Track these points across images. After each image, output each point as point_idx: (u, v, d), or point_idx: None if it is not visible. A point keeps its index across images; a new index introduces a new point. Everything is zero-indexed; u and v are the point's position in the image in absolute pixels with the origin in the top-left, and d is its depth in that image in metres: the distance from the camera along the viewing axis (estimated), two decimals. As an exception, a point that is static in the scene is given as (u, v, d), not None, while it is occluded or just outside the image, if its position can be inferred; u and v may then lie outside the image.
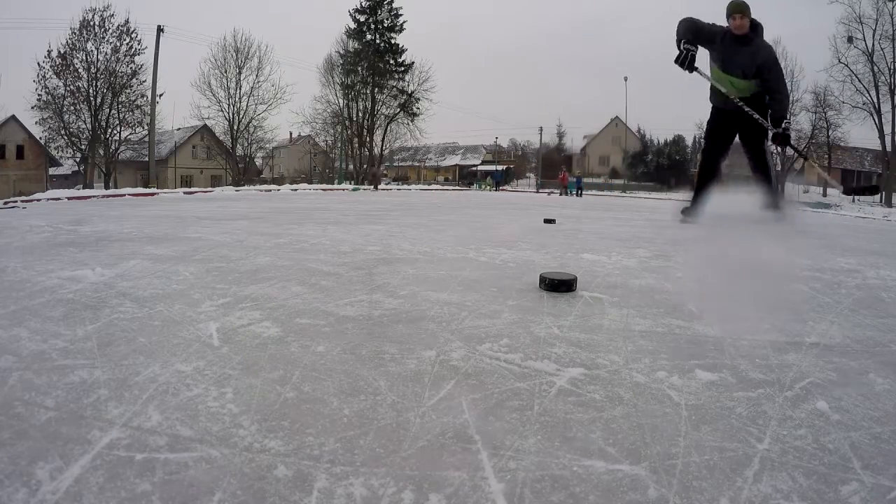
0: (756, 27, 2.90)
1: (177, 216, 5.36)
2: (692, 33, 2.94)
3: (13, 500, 0.75)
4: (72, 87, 26.62)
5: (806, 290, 2.40)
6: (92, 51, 26.78)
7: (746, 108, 2.90)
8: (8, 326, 1.52)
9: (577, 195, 23.77)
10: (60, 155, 29.07)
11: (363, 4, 33.49)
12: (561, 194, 24.14)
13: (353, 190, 21.94)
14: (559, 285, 2.12)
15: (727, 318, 1.80)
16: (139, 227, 4.17)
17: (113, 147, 27.77)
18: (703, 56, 3.03)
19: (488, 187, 31.61)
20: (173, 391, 1.12)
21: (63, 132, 27.22)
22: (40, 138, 28.05)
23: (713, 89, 3.14)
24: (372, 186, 23.93)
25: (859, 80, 24.36)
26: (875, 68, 24.00)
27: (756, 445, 0.97)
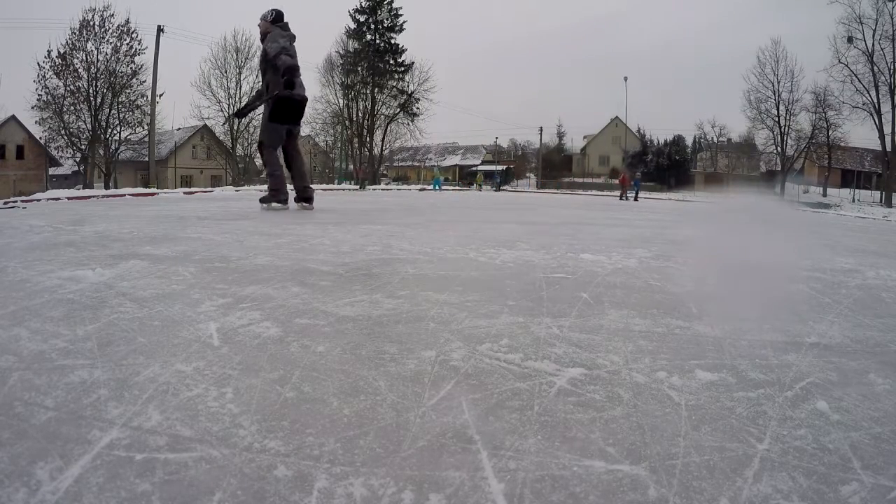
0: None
1: (177, 216, 5.35)
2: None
3: (13, 500, 0.75)
4: (72, 87, 26.60)
5: (806, 290, 2.40)
6: (92, 51, 26.76)
7: None
8: (8, 326, 1.52)
9: (634, 198, 22.99)
10: (60, 155, 29.06)
11: (363, 4, 33.46)
12: (621, 198, 23.42)
13: (361, 188, 22.10)
14: None
15: (727, 318, 1.80)
16: (139, 227, 4.17)
17: (113, 147, 27.74)
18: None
19: (478, 186, 31.59)
20: (173, 391, 1.12)
21: (63, 132, 27.20)
22: (40, 138, 28.03)
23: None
24: (359, 186, 24.04)
25: (859, 80, 24.33)
26: (875, 68, 23.97)
27: (756, 445, 0.97)
